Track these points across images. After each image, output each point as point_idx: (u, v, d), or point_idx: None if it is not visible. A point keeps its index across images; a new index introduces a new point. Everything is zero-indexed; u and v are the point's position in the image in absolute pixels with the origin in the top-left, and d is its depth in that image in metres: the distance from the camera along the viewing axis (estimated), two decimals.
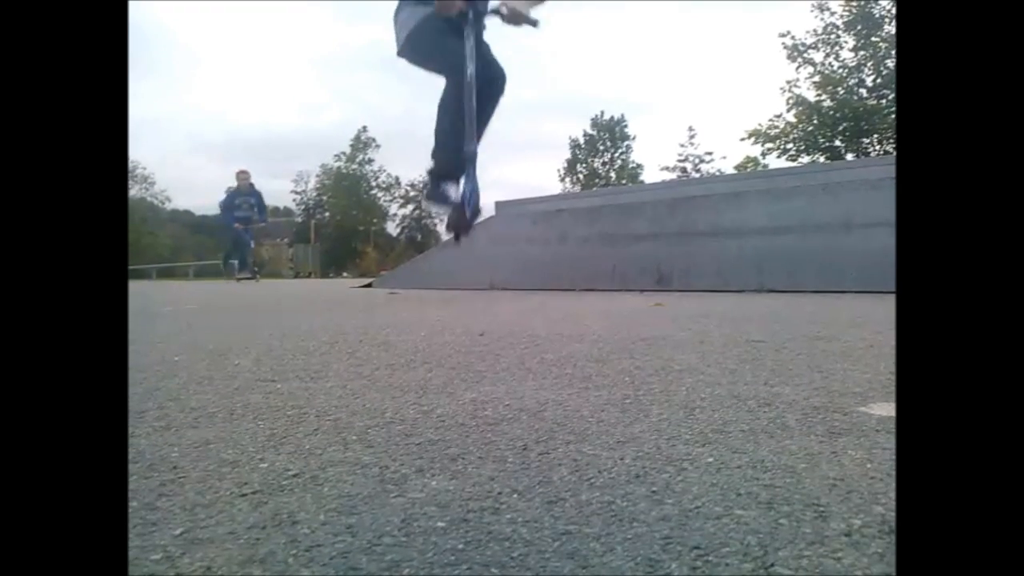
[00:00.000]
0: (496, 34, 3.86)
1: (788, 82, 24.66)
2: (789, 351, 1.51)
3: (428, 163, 3.87)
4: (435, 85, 3.67)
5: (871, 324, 2.16)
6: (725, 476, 0.66)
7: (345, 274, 29.65)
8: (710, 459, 0.71)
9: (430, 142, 3.72)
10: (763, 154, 25.05)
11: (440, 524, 0.54)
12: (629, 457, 0.72)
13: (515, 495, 0.61)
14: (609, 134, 39.59)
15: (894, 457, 0.67)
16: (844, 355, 1.43)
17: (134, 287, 9.05)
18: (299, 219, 44.16)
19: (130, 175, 34.14)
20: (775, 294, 4.60)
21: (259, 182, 12.16)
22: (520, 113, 65.70)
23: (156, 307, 3.98)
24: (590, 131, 39.65)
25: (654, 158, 66.54)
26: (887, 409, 0.92)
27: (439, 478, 0.66)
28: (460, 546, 0.50)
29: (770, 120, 24.95)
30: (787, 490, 0.61)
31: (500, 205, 8.40)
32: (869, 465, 0.68)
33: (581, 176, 39.14)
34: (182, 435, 0.84)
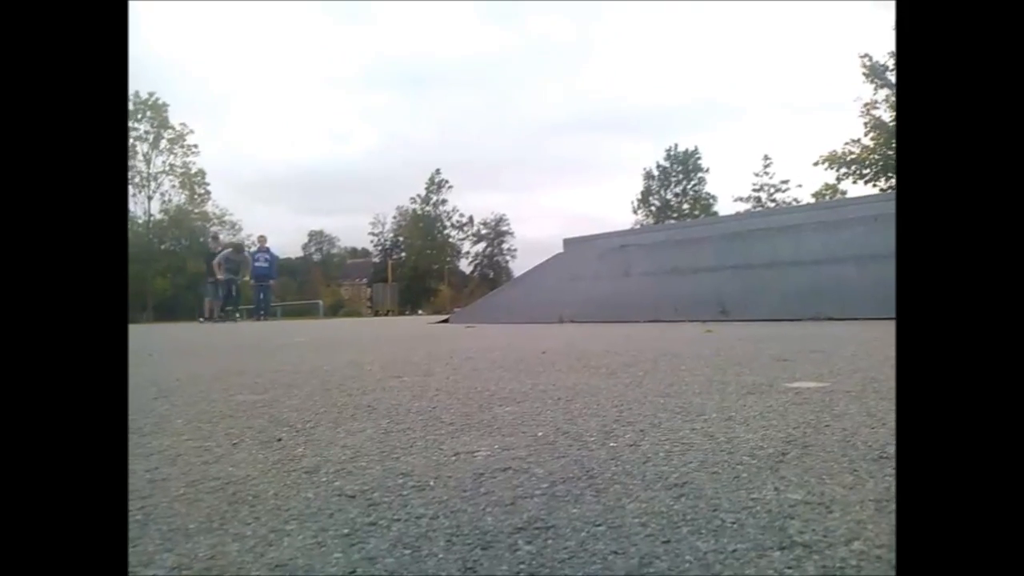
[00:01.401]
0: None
1: (866, 105, 23.69)
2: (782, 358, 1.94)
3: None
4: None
5: (876, 342, 2.51)
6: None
7: (420, 311, 30.54)
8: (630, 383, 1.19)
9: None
10: (838, 179, 24.23)
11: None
12: (612, 397, 1.22)
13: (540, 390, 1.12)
14: (683, 166, 39.76)
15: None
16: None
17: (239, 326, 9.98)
18: (376, 259, 46.24)
19: (219, 222, 34.07)
20: (832, 322, 4.84)
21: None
22: (588, 132, 64.64)
23: (284, 339, 4.71)
24: (663, 163, 40.00)
25: (728, 188, 65.12)
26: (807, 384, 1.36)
27: (509, 407, 1.18)
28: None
29: (846, 144, 24.12)
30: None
31: (568, 242, 8.93)
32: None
33: (654, 208, 39.29)
34: (369, 395, 1.39)
